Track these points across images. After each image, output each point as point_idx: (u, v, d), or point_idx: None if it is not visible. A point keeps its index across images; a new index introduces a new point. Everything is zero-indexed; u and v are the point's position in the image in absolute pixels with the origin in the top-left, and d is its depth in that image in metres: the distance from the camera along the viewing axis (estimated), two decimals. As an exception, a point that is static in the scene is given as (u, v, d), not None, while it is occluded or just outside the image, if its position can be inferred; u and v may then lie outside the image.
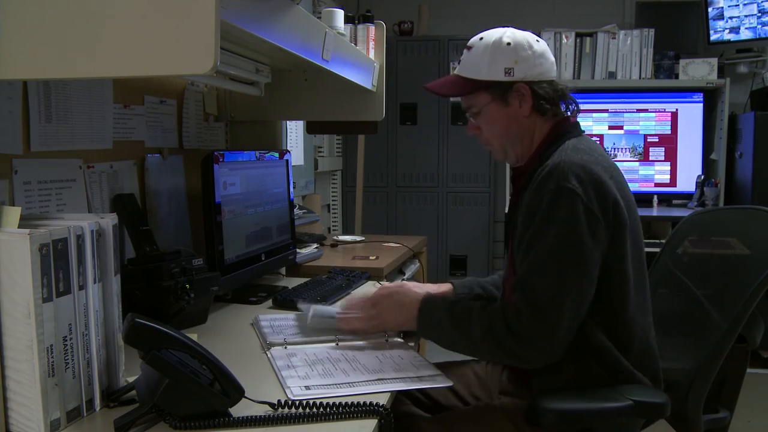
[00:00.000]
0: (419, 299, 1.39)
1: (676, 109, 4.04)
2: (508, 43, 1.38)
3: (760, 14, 3.77)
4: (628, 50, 3.94)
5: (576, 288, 1.23)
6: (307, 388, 1.13)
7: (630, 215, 1.30)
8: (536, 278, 1.24)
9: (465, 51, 1.44)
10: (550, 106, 1.39)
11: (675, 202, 4.06)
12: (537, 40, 1.41)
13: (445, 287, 1.67)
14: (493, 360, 1.30)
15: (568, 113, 1.43)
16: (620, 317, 1.29)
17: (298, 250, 2.26)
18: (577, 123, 1.45)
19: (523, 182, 1.39)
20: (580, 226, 1.22)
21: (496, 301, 1.61)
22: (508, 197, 3.77)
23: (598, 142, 1.44)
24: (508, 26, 1.44)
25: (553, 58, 1.43)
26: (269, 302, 1.81)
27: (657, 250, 1.69)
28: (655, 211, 3.85)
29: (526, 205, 1.30)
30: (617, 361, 1.29)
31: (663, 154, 4.07)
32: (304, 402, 1.03)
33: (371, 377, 1.18)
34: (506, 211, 3.66)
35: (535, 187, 1.28)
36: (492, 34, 1.41)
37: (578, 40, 3.98)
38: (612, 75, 3.96)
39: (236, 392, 1.01)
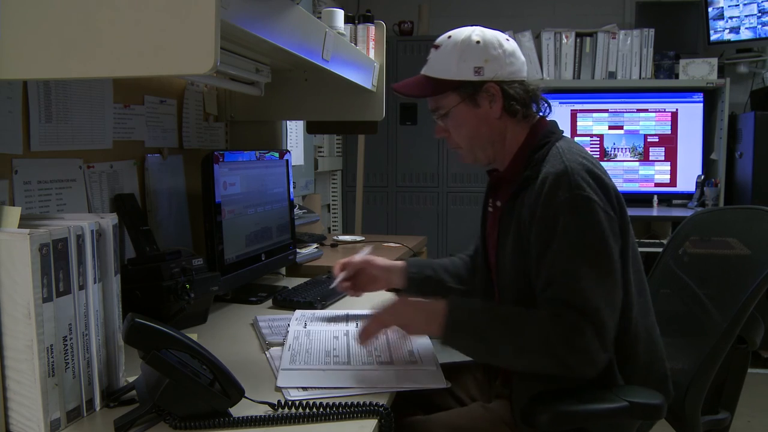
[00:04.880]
0: (444, 305, 1.24)
1: (676, 109, 4.04)
2: (478, 42, 1.32)
3: (760, 14, 3.77)
4: (628, 50, 3.94)
5: (617, 295, 1.21)
6: (304, 389, 1.13)
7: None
8: (585, 292, 1.17)
9: (432, 50, 1.38)
10: (520, 107, 1.33)
11: (675, 202, 4.06)
12: (507, 39, 1.36)
13: (398, 264, 1.61)
14: (536, 370, 1.23)
15: (541, 114, 1.38)
16: (624, 323, 1.25)
17: (298, 250, 2.26)
18: (556, 123, 1.40)
19: (513, 188, 1.32)
20: (606, 233, 1.20)
21: (457, 290, 1.58)
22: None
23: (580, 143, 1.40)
24: (476, 25, 1.38)
25: (523, 58, 1.38)
26: (269, 302, 1.81)
27: (657, 250, 1.69)
28: (655, 211, 3.85)
29: (539, 218, 1.22)
30: (611, 374, 1.25)
31: (663, 154, 4.07)
32: (305, 402, 1.03)
33: (367, 384, 1.16)
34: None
35: (545, 198, 1.22)
36: (460, 33, 1.35)
37: (578, 40, 3.97)
38: (612, 75, 3.96)
39: (236, 392, 1.01)
